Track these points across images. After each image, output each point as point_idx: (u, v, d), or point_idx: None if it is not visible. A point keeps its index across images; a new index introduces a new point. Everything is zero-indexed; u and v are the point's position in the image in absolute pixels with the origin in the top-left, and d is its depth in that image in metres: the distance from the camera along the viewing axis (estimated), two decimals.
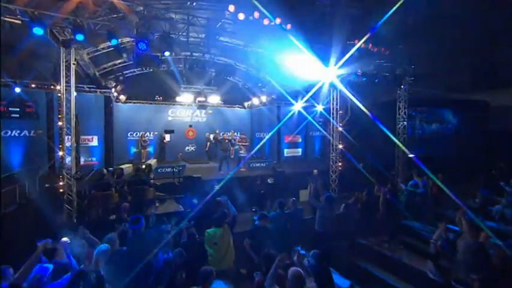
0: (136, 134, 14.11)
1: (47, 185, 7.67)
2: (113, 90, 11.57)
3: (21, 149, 10.02)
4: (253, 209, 6.53)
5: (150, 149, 14.40)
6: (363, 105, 13.22)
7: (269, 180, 10.59)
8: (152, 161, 8.95)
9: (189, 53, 7.56)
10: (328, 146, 16.15)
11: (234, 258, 4.86)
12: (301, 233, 5.93)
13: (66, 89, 7.41)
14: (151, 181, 8.25)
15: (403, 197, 8.02)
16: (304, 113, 14.85)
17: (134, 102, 14.33)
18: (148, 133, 14.23)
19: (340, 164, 12.17)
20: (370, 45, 9.41)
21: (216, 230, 4.73)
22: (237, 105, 17.12)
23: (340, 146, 12.11)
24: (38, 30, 5.11)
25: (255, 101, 16.01)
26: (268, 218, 5.34)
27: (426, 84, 11.53)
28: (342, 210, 6.61)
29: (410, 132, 12.95)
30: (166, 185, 8.96)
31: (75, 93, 10.09)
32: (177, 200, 8.40)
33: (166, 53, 6.93)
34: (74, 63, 7.48)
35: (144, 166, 8.26)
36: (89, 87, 10.85)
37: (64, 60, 7.27)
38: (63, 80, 7.28)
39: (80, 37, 5.66)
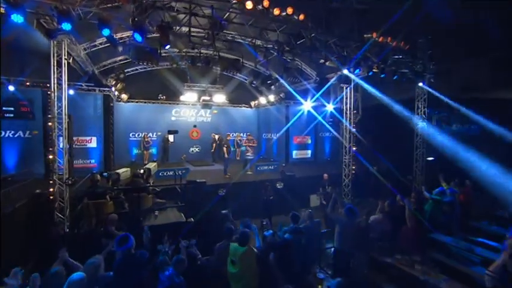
0: (139, 134, 13.59)
1: (37, 191, 7.02)
2: (113, 88, 10.93)
3: (16, 151, 9.45)
4: (264, 222, 5.74)
5: (153, 150, 13.91)
6: (377, 104, 12.42)
7: (278, 185, 9.84)
8: (152, 165, 8.26)
9: (191, 47, 6.75)
10: (339, 148, 15.46)
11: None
12: (319, 251, 5.17)
13: (57, 87, 6.75)
14: (151, 187, 7.55)
15: (428, 207, 7.15)
16: (314, 112, 14.09)
17: (136, 102, 13.77)
18: (151, 134, 13.76)
19: (353, 167, 11.33)
20: (390, 38, 8.57)
21: (237, 248, 4.01)
22: (243, 105, 16.43)
23: (354, 148, 11.26)
24: (17, 18, 4.43)
25: (262, 100, 15.29)
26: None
27: (446, 81, 10.62)
28: (363, 223, 5.78)
29: None
30: (167, 191, 8.29)
31: (72, 92, 9.60)
32: (179, 208, 7.71)
33: (167, 47, 6.21)
34: (66, 58, 6.82)
35: (142, 171, 7.56)
36: (87, 86, 10.22)
37: (55, 55, 6.61)
38: (53, 77, 6.63)
39: (66, 26, 4.97)
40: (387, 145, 11.85)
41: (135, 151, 13.55)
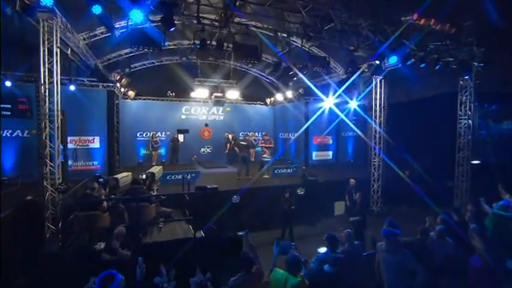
0: (147, 134, 12.89)
1: (28, 197, 6.22)
2: (118, 84, 10.13)
3: (14, 152, 8.77)
4: (293, 244, 4.58)
5: (162, 150, 13.17)
6: (408, 100, 11.11)
7: (299, 191, 8.70)
8: (156, 169, 7.36)
9: (200, 30, 5.74)
10: (363, 149, 14.21)
11: None
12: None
13: (48, 79, 5.91)
14: (154, 194, 6.63)
15: (489, 223, 5.87)
16: (336, 110, 12.89)
17: (144, 99, 13.06)
18: (159, 133, 13.02)
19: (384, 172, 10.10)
20: (433, 20, 7.29)
21: (287, 278, 2.97)
22: (258, 102, 15.46)
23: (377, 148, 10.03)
24: None
25: (279, 96, 14.23)
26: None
27: (496, 72, 9.19)
28: (417, 247, 4.55)
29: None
30: (174, 198, 7.39)
31: (73, 88, 8.84)
32: (187, 219, 6.77)
33: (172, 29, 5.25)
34: (58, 46, 5.99)
35: (144, 176, 6.64)
36: (89, 81, 9.45)
37: (45, 42, 5.78)
38: (43, 68, 5.79)
39: (47, 1, 4.06)
40: (421, 146, 10.53)
41: (143, 152, 12.86)
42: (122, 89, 11.05)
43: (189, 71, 12.70)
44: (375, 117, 9.97)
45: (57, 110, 6.07)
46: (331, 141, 13.63)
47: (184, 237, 5.90)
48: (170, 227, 6.47)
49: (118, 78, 9.79)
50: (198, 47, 5.54)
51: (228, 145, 13.64)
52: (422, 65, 7.44)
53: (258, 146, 10.67)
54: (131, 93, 11.96)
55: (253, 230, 8.69)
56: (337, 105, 13.14)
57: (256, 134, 14.89)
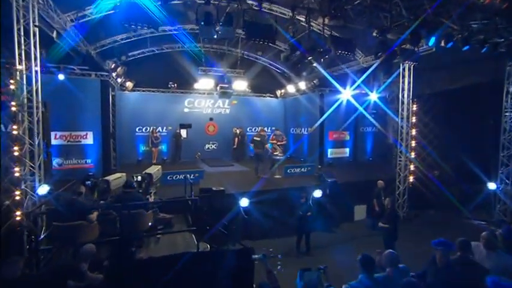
0: (146, 129, 12.26)
1: (6, 202, 5.50)
2: (114, 74, 9.34)
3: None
4: (321, 268, 3.72)
5: (163, 147, 12.54)
6: (440, 90, 10.08)
7: (315, 194, 7.85)
8: (154, 169, 6.59)
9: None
10: (383, 147, 13.27)
11: None
12: None
13: (25, 64, 5.14)
14: (151, 198, 5.87)
15: None
16: (355, 102, 11.97)
17: (143, 91, 12.39)
18: (160, 128, 12.41)
19: (411, 172, 9.20)
20: None
21: None
22: (267, 94, 14.65)
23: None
24: None
25: (290, 88, 13.34)
26: None
27: None
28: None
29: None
30: (174, 203, 6.65)
31: (62, 77, 8.06)
32: (189, 226, 6.02)
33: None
34: (36, 25, 5.19)
35: (139, 177, 5.86)
36: (81, 70, 8.69)
37: (21, 20, 4.98)
38: (18, 50, 5.01)
39: None
40: (454, 144, 9.54)
41: (142, 148, 12.23)
42: (119, 80, 10.28)
43: (192, 59, 11.90)
44: (401, 110, 9.01)
45: (37, 101, 5.30)
46: (348, 137, 12.73)
47: (186, 251, 5.10)
48: (170, 236, 5.72)
49: (113, 66, 9.00)
50: (202, 23, 4.70)
51: (236, 140, 12.91)
52: (465, 48, 6.44)
53: (269, 142, 9.82)
54: (129, 84, 11.22)
55: (265, 237, 8.06)
56: (355, 97, 12.26)
57: (266, 129, 14.01)
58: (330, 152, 12.44)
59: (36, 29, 5.19)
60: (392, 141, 13.00)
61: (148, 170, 6.47)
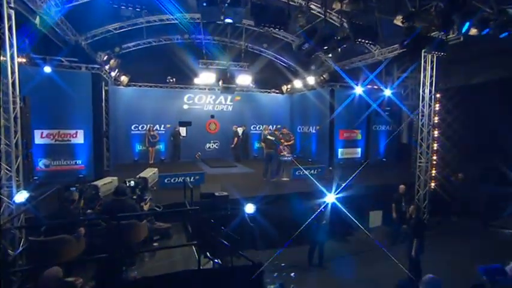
0: (143, 127, 11.89)
1: None
2: (107, 67, 8.74)
3: None
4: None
5: (160, 146, 12.16)
6: (469, 83, 9.44)
7: (328, 200, 7.23)
8: (149, 172, 6.01)
9: None
10: (397, 146, 12.70)
11: None
12: None
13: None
14: (146, 206, 5.28)
15: None
16: (368, 99, 11.41)
17: (139, 86, 11.93)
18: (157, 126, 12.02)
19: (433, 175, 8.60)
20: None
21: None
22: (272, 90, 14.15)
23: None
24: None
25: (297, 83, 12.76)
26: None
27: None
28: None
29: None
30: (172, 210, 6.10)
31: (48, 69, 7.43)
32: (189, 238, 5.48)
33: None
34: (12, 7, 4.58)
35: (132, 182, 5.26)
36: (70, 62, 8.09)
37: None
38: None
39: None
40: (480, 143, 8.93)
41: (139, 148, 11.85)
42: (112, 73, 9.68)
43: (193, 52, 11.32)
44: (422, 107, 8.38)
45: (14, 96, 4.70)
46: (360, 137, 12.13)
47: (186, 269, 4.52)
48: (167, 253, 5.15)
49: (106, 58, 8.39)
50: (204, 3, 4.09)
51: (236, 139, 12.50)
52: (502, 35, 5.79)
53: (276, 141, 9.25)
54: (124, 78, 10.65)
55: (272, 247, 7.41)
56: (367, 93, 11.71)
57: (271, 127, 13.49)
58: (341, 152, 11.86)
59: (12, 12, 4.58)
60: (406, 141, 12.46)
61: (143, 174, 5.89)
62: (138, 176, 5.60)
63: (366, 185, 8.98)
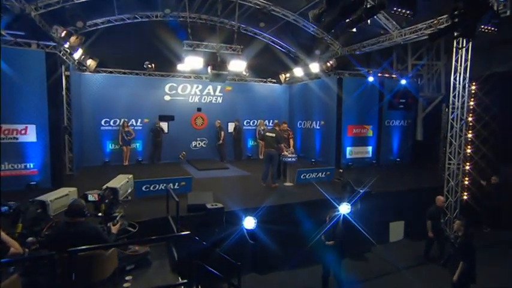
0: (115, 122, 10.90)
1: None
2: (66, 45, 7.38)
3: None
4: None
5: (137, 144, 11.30)
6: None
7: (343, 210, 6.28)
8: (120, 181, 4.81)
9: None
10: (412, 145, 11.86)
11: None
12: None
13: None
14: (115, 228, 4.11)
15: None
16: (381, 88, 10.70)
17: (110, 72, 10.89)
18: (133, 121, 11.18)
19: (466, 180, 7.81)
20: None
21: None
22: (268, 79, 13.35)
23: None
24: None
25: (297, 71, 11.79)
26: None
27: None
28: None
29: None
30: (152, 225, 5.14)
31: None
32: (173, 265, 4.45)
33: None
34: None
35: (96, 196, 4.05)
36: (14, 36, 6.74)
37: None
38: None
39: None
40: None
41: (110, 147, 10.89)
42: (76, 56, 8.33)
43: (176, 33, 10.16)
44: (453, 97, 7.53)
45: None
46: (371, 133, 11.30)
47: None
48: (146, 278, 4.07)
49: (64, 34, 7.02)
50: None
51: (223, 135, 11.77)
52: None
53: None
54: (91, 63, 9.38)
55: (276, 269, 6.45)
56: (380, 83, 10.96)
57: (267, 122, 12.78)
58: (349, 152, 10.99)
59: None
60: (421, 138, 11.73)
61: (112, 183, 4.69)
62: (104, 187, 4.40)
63: (384, 191, 8.07)
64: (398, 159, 11.63)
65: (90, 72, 10.03)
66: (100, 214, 4.35)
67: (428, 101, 11.05)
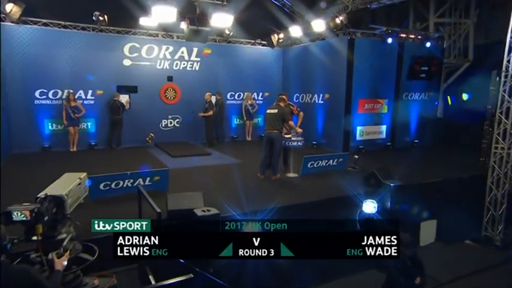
0: (56, 93, 9.72)
1: None
2: None
3: None
4: None
5: (88, 124, 10.34)
6: None
7: (366, 209, 5.68)
8: (69, 183, 3.57)
9: None
10: (433, 123, 11.51)
11: None
12: None
13: None
14: (58, 261, 3.02)
15: None
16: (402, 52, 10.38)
17: (44, 24, 9.40)
18: (82, 92, 10.09)
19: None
20: None
21: None
22: (258, 40, 12.48)
23: None
24: None
25: (295, 31, 11.00)
26: None
27: None
28: None
29: None
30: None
31: None
32: None
33: None
34: None
35: (28, 212, 2.88)
36: None
37: None
38: None
39: None
40: None
41: (50, 128, 9.75)
42: None
43: None
44: (508, 62, 6.91)
45: None
46: (386, 109, 10.75)
47: None
48: None
49: None
50: None
51: (211, 113, 10.79)
52: None
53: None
54: (14, 9, 7.97)
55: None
56: (398, 46, 10.37)
57: (255, 95, 12.20)
58: (360, 132, 10.42)
59: None
60: (442, 115, 11.29)
61: (54, 188, 3.51)
62: (42, 194, 3.23)
63: (411, 184, 7.44)
64: (416, 141, 11.25)
65: (13, 22, 8.60)
66: (35, 238, 3.22)
67: (455, 68, 10.60)
